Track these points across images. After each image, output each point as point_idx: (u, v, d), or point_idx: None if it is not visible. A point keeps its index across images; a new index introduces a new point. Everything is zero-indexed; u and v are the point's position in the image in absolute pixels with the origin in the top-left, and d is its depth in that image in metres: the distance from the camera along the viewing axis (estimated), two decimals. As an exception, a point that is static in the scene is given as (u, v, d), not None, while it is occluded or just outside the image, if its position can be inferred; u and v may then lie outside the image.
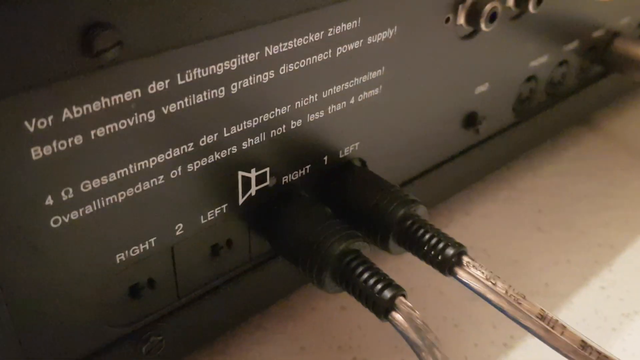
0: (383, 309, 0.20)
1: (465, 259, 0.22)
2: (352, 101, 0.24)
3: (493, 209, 0.35)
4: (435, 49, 0.26)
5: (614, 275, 0.31)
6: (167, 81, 0.18)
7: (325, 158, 0.25)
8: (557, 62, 0.34)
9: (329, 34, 0.21)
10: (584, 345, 0.20)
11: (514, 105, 0.33)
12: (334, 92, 0.23)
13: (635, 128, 0.43)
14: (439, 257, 0.22)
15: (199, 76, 0.19)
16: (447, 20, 0.25)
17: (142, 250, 0.20)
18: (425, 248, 0.23)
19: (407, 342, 0.20)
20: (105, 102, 0.17)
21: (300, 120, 0.23)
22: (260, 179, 0.23)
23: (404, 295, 0.21)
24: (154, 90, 0.18)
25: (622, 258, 0.32)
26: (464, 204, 0.35)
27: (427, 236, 0.23)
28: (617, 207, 0.36)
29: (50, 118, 0.16)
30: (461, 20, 0.26)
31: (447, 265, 0.22)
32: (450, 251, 0.22)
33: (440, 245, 0.22)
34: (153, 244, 0.20)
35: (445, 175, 0.31)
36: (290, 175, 0.24)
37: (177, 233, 0.21)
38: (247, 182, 0.22)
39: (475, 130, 0.30)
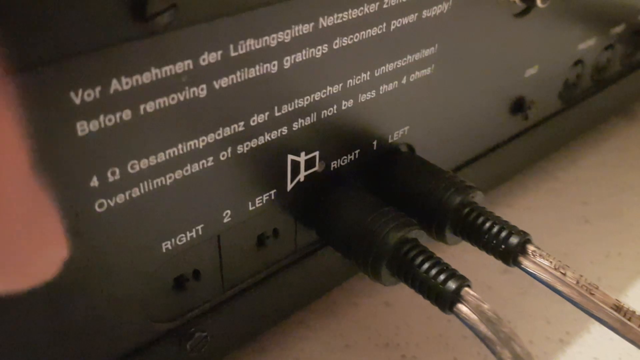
0: (448, 301, 0.19)
1: (530, 247, 0.21)
2: (403, 81, 0.22)
3: (537, 201, 0.34)
4: (488, 27, 0.24)
5: (669, 267, 0.30)
6: (219, 52, 0.17)
7: (374, 142, 0.23)
8: (604, 46, 0.33)
9: (385, 6, 0.20)
10: (665, 338, 0.19)
11: (561, 91, 0.31)
12: (387, 70, 0.22)
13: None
14: (502, 247, 0.21)
15: (253, 48, 0.17)
16: (516, 6, 0.24)
17: (188, 239, 0.19)
18: (486, 237, 0.21)
19: (478, 336, 0.18)
20: (156, 74, 0.16)
21: (352, 101, 0.21)
22: (309, 164, 0.21)
23: (469, 286, 0.19)
24: (206, 62, 0.16)
25: (676, 250, 0.31)
26: (505, 196, 0.34)
27: (487, 224, 0.21)
28: (665, 198, 0.34)
29: (97, 89, 0.15)
30: (516, -3, 0.25)
31: (512, 255, 0.21)
32: (514, 240, 0.21)
33: (503, 234, 0.21)
34: (200, 232, 0.19)
35: (492, 164, 0.29)
36: (339, 160, 0.22)
37: (225, 220, 0.19)
38: (296, 166, 0.21)
39: (524, 116, 0.29)
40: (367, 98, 0.22)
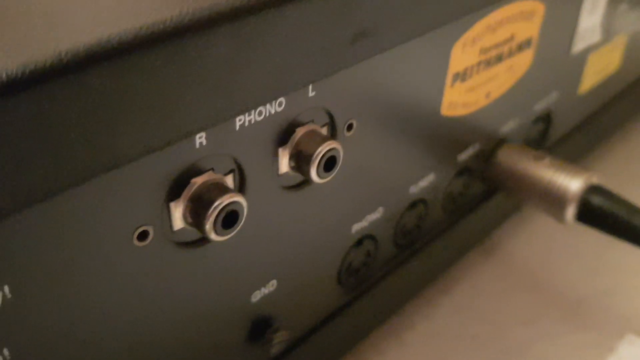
0: None
1: None
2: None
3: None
4: (129, 282, 0.15)
5: None
6: None
7: None
8: (404, 208, 0.24)
9: None
10: None
11: (342, 279, 0.23)
12: None
13: (530, 258, 0.32)
14: None
15: None
16: (143, 236, 0.15)
17: None
18: None
19: None
20: None
21: None
22: None
23: None
24: None
25: None
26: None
27: None
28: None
29: None
30: (179, 223, 0.16)
31: None
32: None
33: None
34: None
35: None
36: None
37: None
38: None
39: (265, 347, 0.20)
40: None
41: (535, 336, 0.28)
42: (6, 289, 0.13)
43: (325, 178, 0.18)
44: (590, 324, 0.29)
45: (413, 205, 0.24)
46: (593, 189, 0.26)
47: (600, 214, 0.26)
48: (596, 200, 0.26)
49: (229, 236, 0.16)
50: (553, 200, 0.26)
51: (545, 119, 0.30)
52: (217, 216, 0.15)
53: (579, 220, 0.26)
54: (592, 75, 0.33)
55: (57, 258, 0.13)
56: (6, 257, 0.13)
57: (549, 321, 0.29)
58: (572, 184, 0.26)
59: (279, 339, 0.20)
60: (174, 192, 0.15)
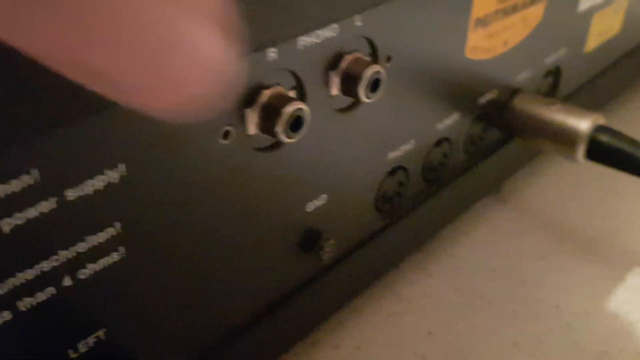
0: None
1: None
2: (82, 276, 0.16)
3: (370, 334, 0.27)
4: (211, 174, 0.18)
5: None
6: None
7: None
8: (432, 144, 0.26)
9: None
10: None
11: (378, 205, 0.25)
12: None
13: (546, 207, 0.35)
14: None
15: None
16: (226, 134, 0.18)
17: None
18: None
19: None
20: None
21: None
22: None
23: None
24: None
25: None
26: (333, 333, 0.27)
27: None
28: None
29: None
30: (252, 129, 0.18)
31: None
32: None
33: None
34: None
35: (286, 317, 0.23)
36: None
37: None
38: None
39: (317, 257, 0.23)
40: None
41: (549, 269, 0.31)
42: (123, 167, 0.15)
43: (372, 98, 0.20)
44: (600, 258, 0.31)
45: (439, 142, 0.27)
46: (600, 129, 0.28)
47: (608, 150, 0.28)
48: (604, 138, 0.28)
49: (296, 139, 0.18)
50: (564, 141, 0.29)
51: (555, 73, 0.33)
52: (287, 120, 0.18)
53: (588, 158, 0.29)
54: (596, 36, 0.35)
55: (162, 147, 0.16)
56: (124, 141, 0.15)
57: (562, 256, 0.31)
58: (581, 124, 0.29)
59: (330, 248, 0.22)
60: (249, 100, 0.18)
